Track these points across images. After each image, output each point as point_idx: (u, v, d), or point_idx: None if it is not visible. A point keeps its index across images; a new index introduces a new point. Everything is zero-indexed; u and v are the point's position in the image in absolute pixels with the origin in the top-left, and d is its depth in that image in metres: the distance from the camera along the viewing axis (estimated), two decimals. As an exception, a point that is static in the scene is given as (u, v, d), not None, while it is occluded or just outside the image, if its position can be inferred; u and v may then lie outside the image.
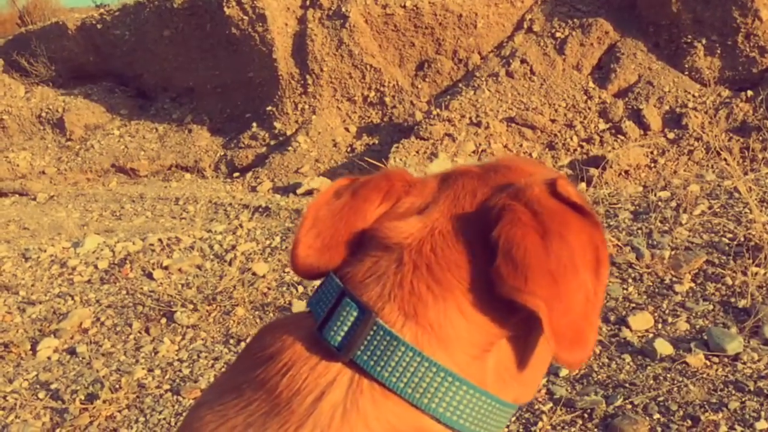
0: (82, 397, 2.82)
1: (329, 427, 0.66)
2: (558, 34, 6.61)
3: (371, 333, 0.69)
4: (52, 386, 2.97)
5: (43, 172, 7.73)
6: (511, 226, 0.69)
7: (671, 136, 5.72)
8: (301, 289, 3.60)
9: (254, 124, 7.36)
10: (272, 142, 7.14)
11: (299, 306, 3.39)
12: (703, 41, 6.14)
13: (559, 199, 0.72)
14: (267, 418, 0.68)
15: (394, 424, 0.67)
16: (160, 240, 4.61)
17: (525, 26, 6.86)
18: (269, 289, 3.65)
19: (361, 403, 0.67)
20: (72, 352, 3.28)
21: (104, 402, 2.73)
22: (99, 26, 8.55)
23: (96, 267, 4.31)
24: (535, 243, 0.68)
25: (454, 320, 0.70)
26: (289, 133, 7.10)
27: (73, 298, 3.85)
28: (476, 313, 0.70)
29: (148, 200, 6.34)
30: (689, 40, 6.21)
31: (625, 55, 6.32)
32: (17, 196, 7.41)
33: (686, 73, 6.20)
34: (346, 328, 0.70)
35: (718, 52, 6.07)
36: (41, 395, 2.91)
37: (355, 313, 0.71)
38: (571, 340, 0.67)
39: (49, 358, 3.28)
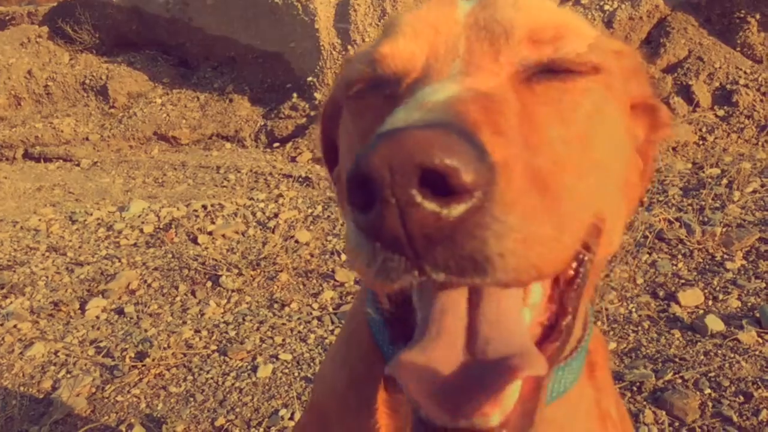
0: (132, 355, 2.88)
1: None
2: (606, 7, 6.46)
3: None
4: (102, 344, 3.03)
5: (87, 139, 7.83)
6: None
7: (721, 113, 5.58)
8: (344, 257, 3.61)
9: (294, 95, 7.35)
10: (312, 113, 7.13)
11: (342, 273, 3.41)
12: (757, 16, 5.95)
13: None
14: None
15: None
16: (203, 206, 4.66)
17: (572, -1, 6.72)
18: (312, 256, 3.67)
19: None
20: (120, 312, 3.34)
21: (153, 360, 2.78)
22: (142, -6, 8.60)
23: (141, 231, 4.37)
24: None
25: None
26: (329, 104, 7.08)
27: (120, 261, 3.91)
28: None
29: (189, 168, 6.39)
30: (742, 15, 6.02)
31: (675, 30, 6.16)
32: (61, 161, 7.54)
33: (738, 48, 6.02)
34: None
35: (773, 27, 5.88)
36: (90, 353, 2.98)
37: None
38: None
39: (97, 317, 3.34)
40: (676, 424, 2.10)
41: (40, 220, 4.87)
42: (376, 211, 0.49)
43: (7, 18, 9.96)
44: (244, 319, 3.12)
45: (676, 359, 2.40)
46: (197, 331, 3.05)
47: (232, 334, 3.00)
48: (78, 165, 7.24)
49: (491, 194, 0.48)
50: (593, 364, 0.92)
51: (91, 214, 4.83)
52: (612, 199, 0.69)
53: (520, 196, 0.50)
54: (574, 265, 0.67)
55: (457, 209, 0.47)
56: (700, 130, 5.46)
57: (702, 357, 2.40)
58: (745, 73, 5.82)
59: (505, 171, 0.49)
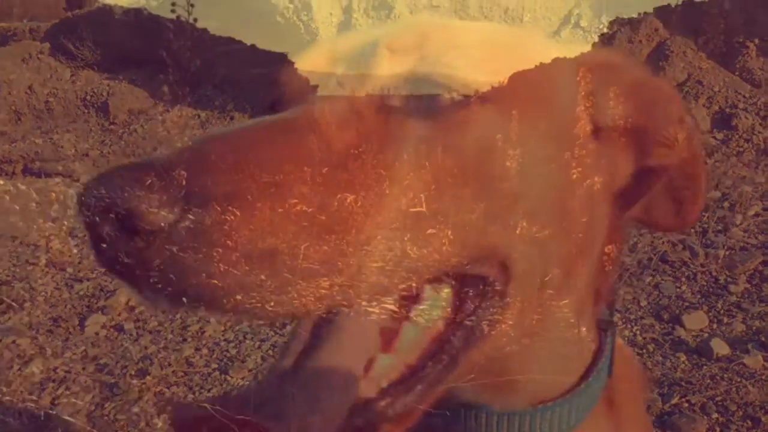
0: (132, 372, 2.85)
1: None
2: (606, 30, 6.52)
3: None
4: (101, 361, 3.00)
5: (87, 155, 7.82)
6: None
7: (720, 136, 5.61)
8: (345, 275, 3.60)
9: (295, 113, 7.38)
10: (313, 132, 7.15)
11: (344, 292, 3.39)
12: (756, 41, 6.01)
13: None
14: None
15: None
16: (204, 223, 4.64)
17: (572, 21, 6.78)
18: (314, 274, 3.65)
19: None
20: (120, 328, 3.31)
21: (153, 378, 2.76)
22: (144, 12, 8.64)
23: (142, 247, 4.35)
24: None
25: None
26: (329, 122, 7.10)
27: (119, 277, 3.89)
28: None
29: (189, 185, 6.39)
30: (741, 40, 6.09)
31: (675, 53, 6.21)
32: (61, 177, 7.53)
33: (737, 73, 6.07)
34: None
35: (772, 52, 5.94)
36: (90, 369, 2.95)
37: None
38: None
39: (97, 333, 3.31)
40: (684, 448, 2.09)
41: (39, 235, 4.85)
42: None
43: (8, 34, 9.99)
44: (245, 337, 3.09)
45: (683, 383, 2.38)
46: (198, 349, 3.02)
47: (233, 352, 2.97)
48: (78, 181, 7.22)
49: (184, 233, 0.50)
50: (613, 401, 0.86)
51: (91, 230, 4.80)
52: (516, 238, 0.64)
53: (235, 238, 0.51)
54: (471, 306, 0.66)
55: (147, 244, 0.50)
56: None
57: (708, 381, 2.38)
58: (744, 97, 5.86)
59: (204, 211, 0.50)
